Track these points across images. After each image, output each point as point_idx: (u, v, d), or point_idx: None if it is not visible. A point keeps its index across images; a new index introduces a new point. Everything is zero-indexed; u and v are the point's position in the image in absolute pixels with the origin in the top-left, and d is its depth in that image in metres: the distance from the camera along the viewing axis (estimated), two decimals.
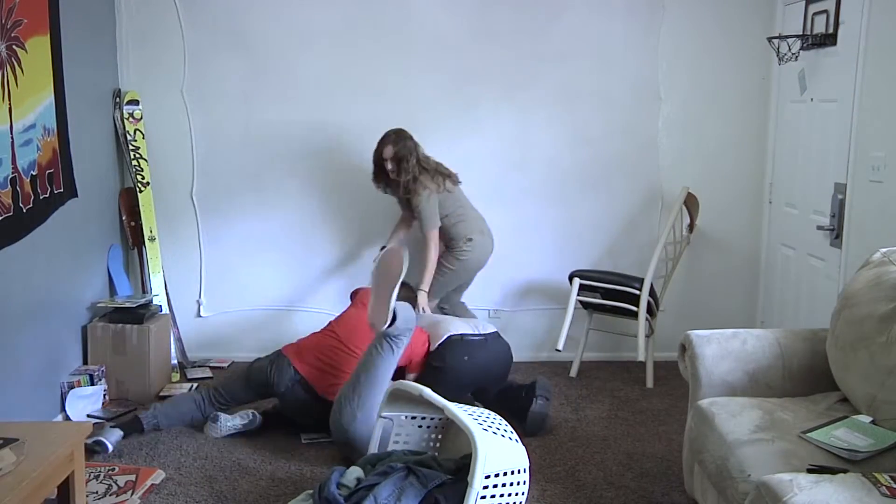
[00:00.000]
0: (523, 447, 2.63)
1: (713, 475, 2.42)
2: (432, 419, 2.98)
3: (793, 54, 3.86)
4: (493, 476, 2.45)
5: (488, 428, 2.56)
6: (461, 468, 2.67)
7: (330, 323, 3.63)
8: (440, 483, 2.58)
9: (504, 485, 2.48)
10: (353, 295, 3.83)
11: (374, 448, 2.91)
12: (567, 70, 4.40)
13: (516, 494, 2.53)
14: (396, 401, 2.90)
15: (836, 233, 3.59)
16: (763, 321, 4.46)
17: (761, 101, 4.41)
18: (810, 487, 1.87)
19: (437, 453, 2.99)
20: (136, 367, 3.87)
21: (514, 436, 2.63)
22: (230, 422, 3.46)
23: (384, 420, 2.92)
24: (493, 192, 4.47)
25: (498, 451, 2.50)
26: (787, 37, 3.90)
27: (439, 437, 3.03)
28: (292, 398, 3.41)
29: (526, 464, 2.58)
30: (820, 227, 3.69)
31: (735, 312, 4.53)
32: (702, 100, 4.43)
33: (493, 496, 2.45)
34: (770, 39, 3.99)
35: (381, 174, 4.03)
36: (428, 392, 2.74)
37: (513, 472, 2.51)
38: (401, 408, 2.91)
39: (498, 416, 2.71)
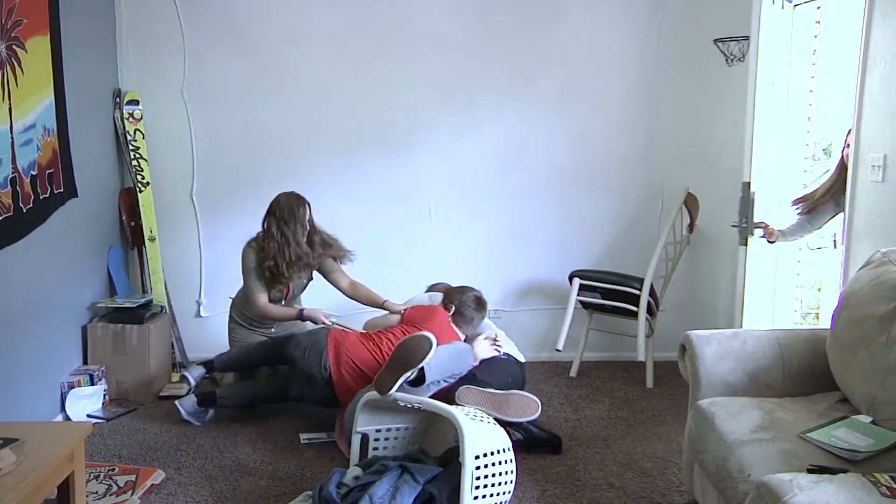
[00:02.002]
0: (502, 429, 2.76)
1: (713, 475, 2.42)
2: (407, 429, 3.03)
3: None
4: (482, 456, 2.55)
5: (467, 415, 2.68)
6: (450, 459, 2.77)
7: (378, 332, 3.58)
8: (432, 477, 2.63)
9: (494, 464, 2.58)
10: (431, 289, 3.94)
11: (354, 460, 2.94)
12: (567, 70, 4.40)
13: (506, 473, 2.63)
14: (369, 412, 2.92)
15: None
16: None
17: None
18: (810, 487, 1.87)
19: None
20: (136, 367, 3.87)
21: (492, 420, 2.77)
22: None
23: (359, 435, 2.95)
24: (493, 191, 4.47)
25: (482, 433, 2.61)
26: None
27: (418, 439, 3.09)
28: (314, 392, 3.43)
29: (508, 444, 2.70)
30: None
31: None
32: (702, 99, 4.43)
33: (485, 476, 2.55)
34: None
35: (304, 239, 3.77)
36: (402, 395, 2.81)
37: (499, 451, 2.63)
38: (371, 419, 2.95)
39: (473, 408, 2.86)
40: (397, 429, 3.00)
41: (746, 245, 3.71)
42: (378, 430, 2.97)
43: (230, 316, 3.96)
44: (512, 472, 2.66)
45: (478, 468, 2.53)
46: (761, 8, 3.61)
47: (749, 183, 3.69)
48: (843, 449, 2.19)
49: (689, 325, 3.25)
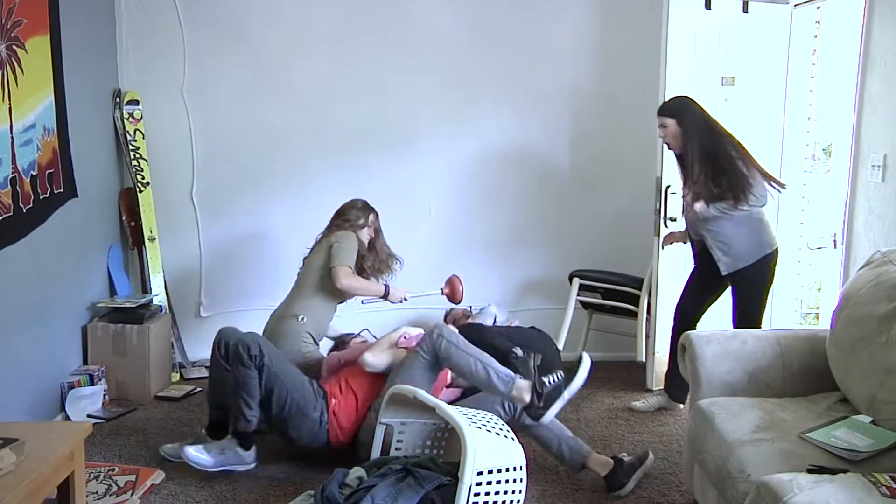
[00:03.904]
0: (520, 446, 2.62)
1: (713, 475, 2.42)
2: (431, 424, 2.98)
3: None
4: (485, 473, 2.44)
5: (482, 426, 2.56)
6: (458, 474, 2.67)
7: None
8: (438, 485, 2.58)
9: (499, 482, 2.47)
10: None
11: (375, 454, 2.91)
12: (567, 70, 4.40)
13: (512, 493, 2.52)
14: (394, 405, 2.90)
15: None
16: None
17: None
18: (810, 487, 1.87)
19: (441, 453, 2.99)
20: (136, 367, 3.87)
21: (511, 434, 2.63)
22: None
23: (383, 426, 2.92)
24: (494, 191, 4.47)
25: (490, 447, 2.50)
26: None
27: (443, 443, 3.03)
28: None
29: (522, 462, 2.57)
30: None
31: None
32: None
33: (486, 493, 2.45)
34: None
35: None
36: (422, 393, 2.76)
37: (507, 470, 2.50)
38: (397, 412, 2.91)
39: (494, 416, 2.71)
40: (423, 423, 2.95)
41: (659, 235, 3.92)
42: (403, 423, 2.91)
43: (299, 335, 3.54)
44: (521, 491, 2.54)
45: (479, 484, 2.42)
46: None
47: (660, 177, 3.92)
48: (843, 449, 2.19)
49: None
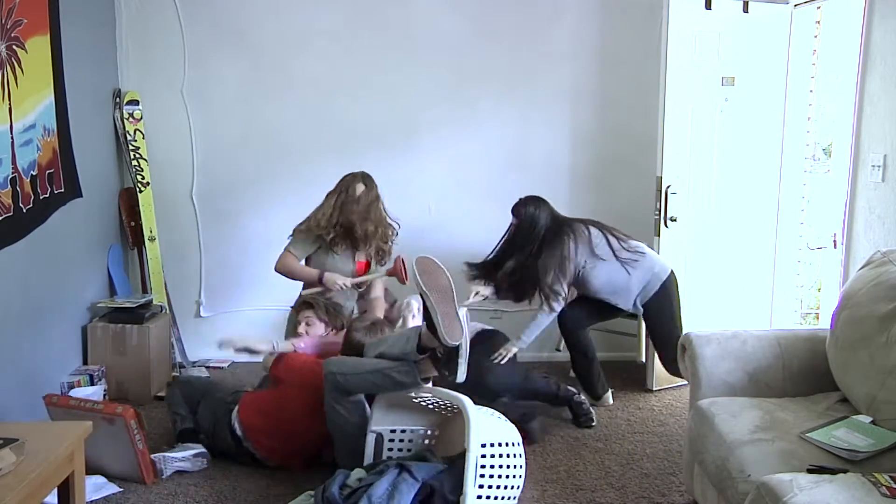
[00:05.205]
0: (513, 426, 2.71)
1: (713, 475, 2.42)
2: (422, 432, 3.00)
3: None
4: (488, 446, 2.52)
5: (479, 409, 2.64)
6: (455, 459, 2.71)
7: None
8: (434, 473, 2.61)
9: (501, 455, 2.55)
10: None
11: (367, 461, 2.91)
12: (567, 70, 4.40)
13: (514, 467, 2.59)
14: (384, 410, 2.91)
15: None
16: None
17: None
18: (810, 488, 1.87)
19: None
20: (136, 367, 3.87)
21: (504, 418, 2.72)
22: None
23: (374, 434, 2.92)
24: (494, 192, 4.47)
25: (490, 423, 2.59)
26: None
27: (432, 443, 3.04)
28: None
29: (518, 439, 2.66)
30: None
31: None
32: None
33: (491, 466, 2.51)
34: None
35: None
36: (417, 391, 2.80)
37: (508, 444, 2.58)
38: (388, 417, 2.92)
39: (484, 407, 2.79)
40: (412, 430, 2.96)
41: (660, 235, 4.01)
42: (392, 431, 2.93)
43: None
44: (520, 466, 2.61)
45: (483, 456, 2.48)
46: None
47: (660, 177, 4.00)
48: (843, 449, 2.19)
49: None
